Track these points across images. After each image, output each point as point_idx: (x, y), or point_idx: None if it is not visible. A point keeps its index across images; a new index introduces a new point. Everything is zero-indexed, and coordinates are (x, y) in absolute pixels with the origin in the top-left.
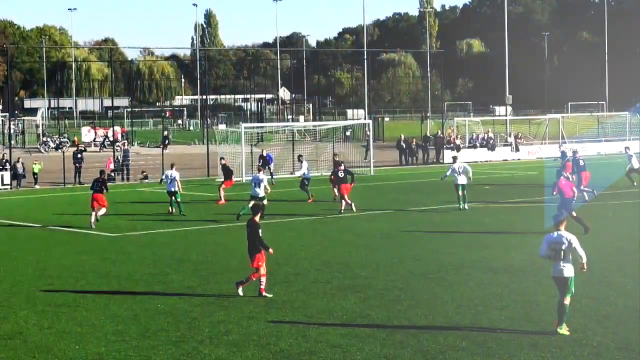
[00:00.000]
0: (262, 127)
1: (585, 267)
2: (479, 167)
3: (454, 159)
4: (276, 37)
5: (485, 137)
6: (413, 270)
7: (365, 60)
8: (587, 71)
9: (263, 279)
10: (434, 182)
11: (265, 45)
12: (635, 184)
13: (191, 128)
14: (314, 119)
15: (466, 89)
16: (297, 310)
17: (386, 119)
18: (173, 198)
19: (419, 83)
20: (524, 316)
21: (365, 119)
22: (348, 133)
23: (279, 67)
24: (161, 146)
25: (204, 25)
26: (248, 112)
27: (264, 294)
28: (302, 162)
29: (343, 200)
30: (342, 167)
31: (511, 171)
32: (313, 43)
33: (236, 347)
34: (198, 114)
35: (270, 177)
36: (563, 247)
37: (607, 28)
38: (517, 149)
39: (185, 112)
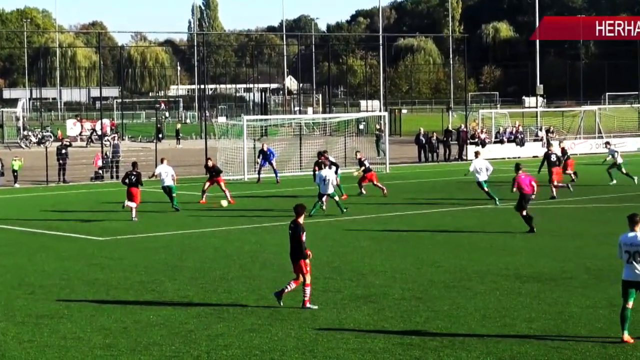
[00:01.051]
0: (266, 119)
1: None
2: (507, 164)
3: (476, 154)
4: (282, 21)
5: (514, 132)
6: (432, 278)
7: (381, 46)
8: (627, 58)
9: (307, 290)
10: (455, 180)
11: (271, 29)
12: (614, 181)
13: (188, 121)
14: (324, 111)
15: (492, 78)
16: (305, 322)
17: (404, 111)
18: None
19: (441, 71)
20: (554, 329)
21: (380, 110)
22: (361, 126)
23: (285, 53)
24: (154, 140)
25: (202, 7)
26: (251, 103)
27: (308, 305)
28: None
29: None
30: (327, 159)
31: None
32: (323, 27)
33: None
34: (195, 106)
35: (274, 174)
36: (639, 248)
37: None
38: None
39: (182, 103)
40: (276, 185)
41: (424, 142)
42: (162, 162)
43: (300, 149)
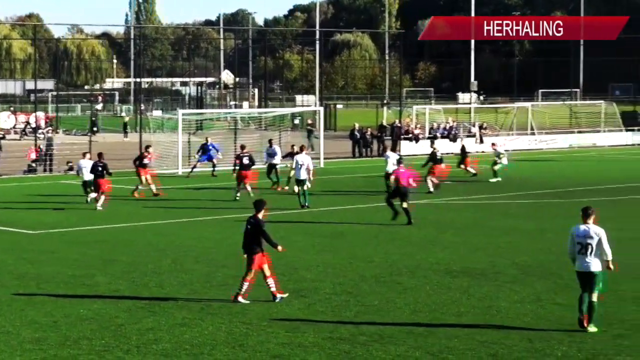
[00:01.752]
0: (201, 113)
1: (611, 266)
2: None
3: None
4: (220, 15)
5: (447, 127)
6: (364, 272)
7: (318, 41)
8: (560, 56)
9: (270, 281)
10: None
11: (208, 23)
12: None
13: (123, 114)
14: (260, 106)
15: (428, 74)
16: (235, 317)
17: (339, 106)
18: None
19: (376, 67)
20: (483, 323)
21: (316, 105)
22: (297, 121)
23: (222, 47)
24: (89, 134)
25: (140, 1)
26: (187, 97)
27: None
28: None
29: (247, 187)
30: (246, 152)
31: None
32: (260, 22)
33: (166, 358)
34: (131, 99)
35: (212, 168)
36: (591, 241)
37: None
38: (482, 141)
39: (117, 97)
40: (211, 178)
41: (358, 137)
42: (84, 156)
43: (236, 143)
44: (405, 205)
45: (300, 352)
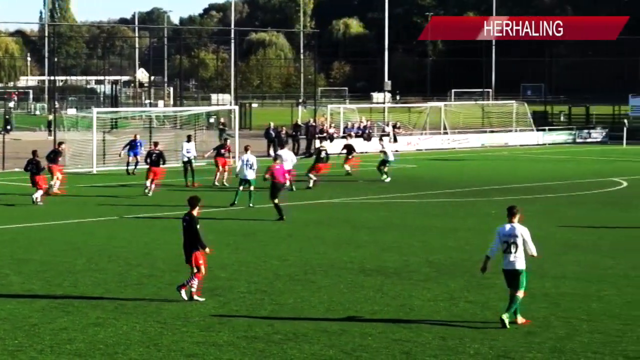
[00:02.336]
0: (116, 112)
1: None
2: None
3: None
4: (135, 13)
5: (361, 126)
6: (278, 271)
7: (233, 40)
8: (472, 56)
9: (196, 281)
10: (300, 175)
11: (123, 21)
12: (384, 178)
13: (37, 112)
14: (175, 104)
15: (342, 73)
16: (150, 316)
17: (254, 105)
18: None
19: (291, 66)
20: (397, 322)
21: (231, 104)
22: (212, 120)
23: (137, 46)
24: (2, 132)
25: None
26: (101, 95)
27: (195, 297)
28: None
29: (152, 184)
30: (157, 149)
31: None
32: (175, 20)
33: (80, 357)
34: (45, 97)
35: (134, 167)
36: (516, 239)
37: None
38: (396, 140)
39: (31, 95)
40: (127, 177)
41: (273, 136)
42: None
43: (150, 141)
44: (276, 200)
45: (214, 351)
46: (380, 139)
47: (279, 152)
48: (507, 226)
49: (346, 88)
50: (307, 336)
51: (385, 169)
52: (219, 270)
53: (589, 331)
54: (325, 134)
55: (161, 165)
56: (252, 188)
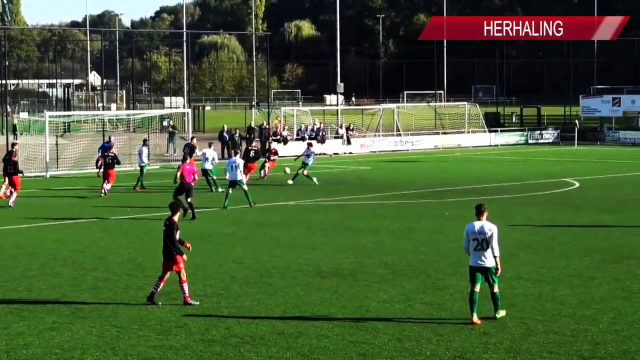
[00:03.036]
0: (69, 115)
1: (499, 266)
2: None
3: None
4: (86, 16)
5: (315, 129)
6: (234, 274)
7: (185, 43)
8: (424, 57)
9: (185, 286)
10: (253, 177)
11: (74, 24)
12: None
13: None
14: (128, 107)
15: (295, 75)
16: (106, 320)
17: (207, 107)
18: None
19: (244, 69)
20: (353, 323)
21: (184, 107)
22: (165, 123)
23: (88, 49)
24: None
25: (5, 1)
26: (54, 99)
27: (190, 301)
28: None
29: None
30: (112, 152)
31: (342, 166)
32: (127, 23)
33: None
34: None
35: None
36: (486, 237)
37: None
38: (349, 142)
39: None
40: (73, 180)
41: (227, 139)
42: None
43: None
44: (190, 200)
45: (171, 355)
46: (309, 145)
47: (204, 150)
48: (477, 224)
49: (299, 90)
50: (264, 339)
51: (306, 172)
52: (175, 273)
53: (544, 331)
54: (278, 137)
55: (115, 168)
56: (246, 188)
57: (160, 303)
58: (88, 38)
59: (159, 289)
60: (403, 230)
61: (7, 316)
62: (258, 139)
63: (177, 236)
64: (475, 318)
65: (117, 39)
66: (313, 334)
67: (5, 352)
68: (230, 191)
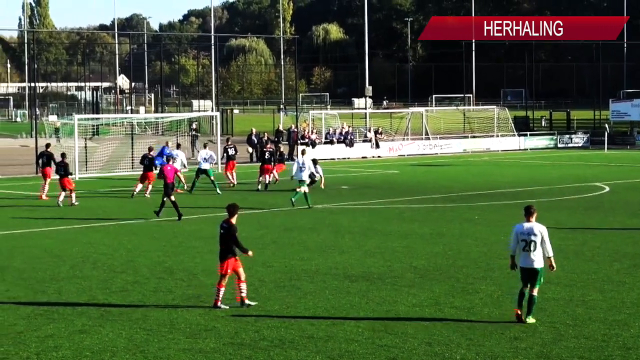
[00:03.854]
0: (97, 118)
1: (554, 264)
2: (337, 164)
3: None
4: (114, 19)
5: (343, 132)
6: (263, 277)
7: (213, 46)
8: (453, 61)
9: (243, 286)
10: (283, 180)
11: (102, 27)
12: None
13: (18, 119)
14: (156, 111)
15: (323, 79)
16: (136, 323)
17: (236, 111)
18: None
19: (272, 72)
20: (382, 327)
21: (212, 110)
22: (194, 126)
23: (117, 52)
24: None
25: (33, 4)
26: (82, 101)
27: (247, 302)
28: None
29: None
30: (150, 154)
31: (370, 170)
32: (155, 26)
33: None
34: (26, 104)
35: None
36: (534, 238)
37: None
38: (378, 146)
39: (12, 101)
40: (105, 182)
41: (255, 142)
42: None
43: (132, 149)
44: (173, 198)
45: (201, 358)
46: (315, 163)
47: (174, 150)
48: (526, 225)
49: (327, 94)
50: (294, 342)
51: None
52: (205, 277)
53: (574, 336)
54: (307, 140)
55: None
56: (306, 190)
57: (227, 306)
58: (116, 41)
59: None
60: (432, 234)
61: (37, 318)
62: (286, 142)
63: (238, 237)
64: (519, 310)
65: (146, 42)
66: (342, 338)
67: (36, 355)
68: (297, 190)
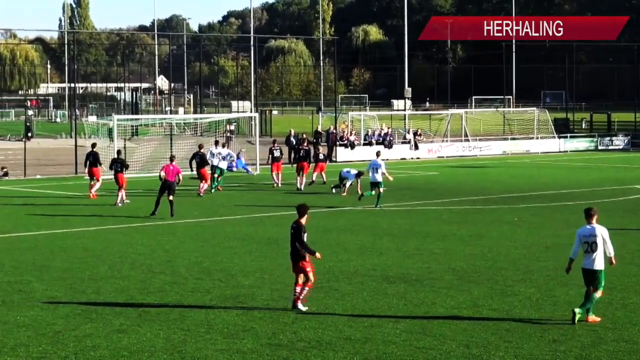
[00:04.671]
0: (137, 119)
1: (614, 261)
2: None
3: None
4: (154, 20)
5: (382, 134)
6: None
7: (252, 47)
8: (493, 62)
9: (306, 290)
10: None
11: (142, 28)
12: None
13: (58, 119)
14: (195, 111)
15: (362, 80)
16: (173, 323)
17: (274, 112)
18: None
19: (311, 73)
20: (420, 329)
21: (251, 111)
22: (232, 127)
23: (156, 53)
24: (24, 139)
25: (74, 6)
26: (122, 102)
27: (299, 305)
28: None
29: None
30: (201, 151)
31: (409, 171)
32: (195, 27)
33: None
34: (66, 104)
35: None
36: (596, 239)
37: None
38: (417, 147)
39: (52, 102)
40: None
41: (294, 143)
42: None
43: (171, 149)
44: (171, 198)
45: (238, 359)
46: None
47: (210, 148)
48: (587, 227)
49: (366, 95)
50: (331, 344)
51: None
52: (242, 277)
53: (614, 339)
54: (346, 141)
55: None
56: (381, 190)
57: (306, 308)
58: (156, 42)
59: (300, 295)
60: (471, 236)
61: (75, 318)
62: (325, 144)
63: (305, 238)
64: (591, 317)
65: (185, 43)
66: (380, 340)
67: (74, 354)
68: (373, 192)
